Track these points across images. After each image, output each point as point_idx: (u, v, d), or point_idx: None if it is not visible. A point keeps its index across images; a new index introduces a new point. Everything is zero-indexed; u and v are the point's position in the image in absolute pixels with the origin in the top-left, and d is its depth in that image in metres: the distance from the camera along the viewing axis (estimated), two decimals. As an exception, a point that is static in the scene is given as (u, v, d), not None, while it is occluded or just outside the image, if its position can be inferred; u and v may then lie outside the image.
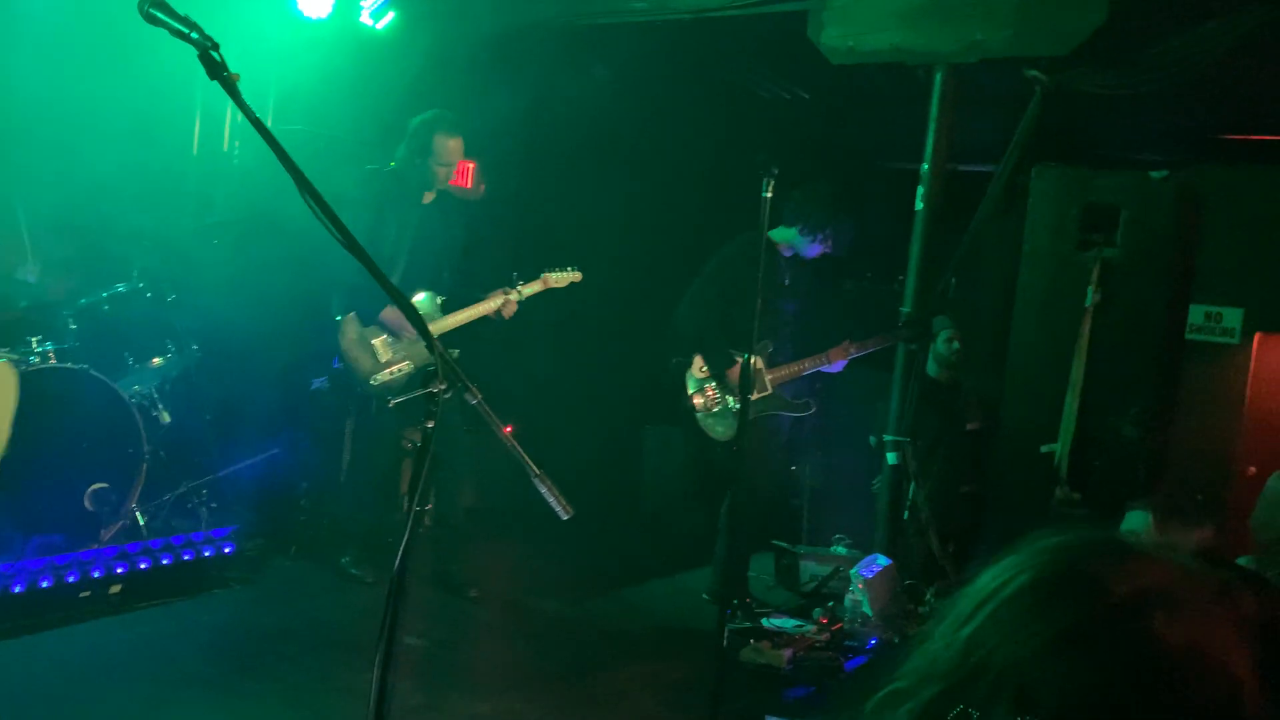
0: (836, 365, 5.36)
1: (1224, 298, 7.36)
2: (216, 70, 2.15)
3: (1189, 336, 7.00)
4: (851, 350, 5.29)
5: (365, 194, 5.00)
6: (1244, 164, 7.16)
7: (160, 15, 2.14)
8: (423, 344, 5.01)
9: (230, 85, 2.13)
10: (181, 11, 2.22)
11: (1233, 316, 7.40)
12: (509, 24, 6.40)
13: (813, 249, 5.30)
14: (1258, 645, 0.85)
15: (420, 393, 2.26)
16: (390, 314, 4.96)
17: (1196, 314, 7.57)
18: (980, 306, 6.40)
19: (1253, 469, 7.15)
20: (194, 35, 2.13)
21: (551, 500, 2.38)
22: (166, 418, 5.16)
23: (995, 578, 0.95)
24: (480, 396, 2.32)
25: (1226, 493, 7.15)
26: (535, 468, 2.36)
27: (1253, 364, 7.42)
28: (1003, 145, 5.58)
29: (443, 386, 2.26)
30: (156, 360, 5.17)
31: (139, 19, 2.23)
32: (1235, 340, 7.39)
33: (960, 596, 0.97)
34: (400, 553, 2.25)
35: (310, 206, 2.20)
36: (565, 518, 2.39)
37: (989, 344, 6.50)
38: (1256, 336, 7.39)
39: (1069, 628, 0.87)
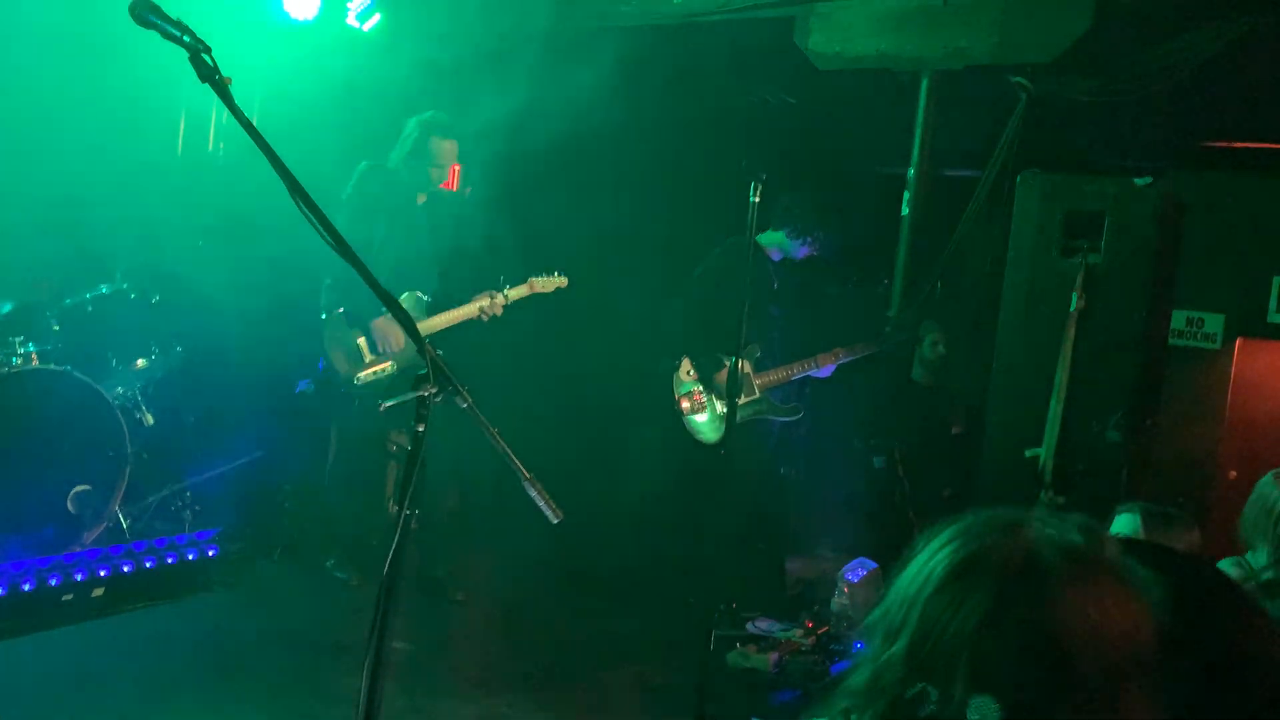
0: (825, 370, 5.39)
1: (1206, 303, 7.43)
2: (208, 73, 2.15)
3: (1172, 342, 7.04)
4: (841, 355, 5.32)
5: (359, 193, 5.00)
6: (1225, 171, 7.23)
7: (152, 18, 2.14)
8: (410, 344, 5.02)
9: (222, 88, 2.13)
10: (169, 13, 2.22)
11: (1214, 322, 7.46)
12: (496, 26, 6.39)
13: (801, 251, 5.34)
14: (1130, 575, 0.96)
15: (411, 396, 2.26)
16: (381, 324, 4.95)
17: (1179, 319, 7.62)
18: (964, 311, 6.43)
19: (1233, 473, 7.21)
20: (185, 38, 2.13)
21: (542, 504, 2.37)
22: (150, 420, 5.13)
23: (912, 581, 1.01)
24: (471, 400, 2.31)
25: (1208, 497, 7.21)
26: (526, 471, 2.35)
27: (1234, 369, 7.49)
28: (987, 151, 5.61)
29: (433, 390, 2.25)
30: (140, 362, 5.15)
31: (125, 19, 2.23)
32: (1217, 345, 7.45)
33: (885, 611, 1.02)
34: (389, 556, 2.25)
35: (301, 209, 2.20)
36: (555, 521, 2.39)
37: (972, 348, 6.53)
38: (1238, 342, 7.46)
39: (990, 606, 0.95)
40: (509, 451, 2.35)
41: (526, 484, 2.37)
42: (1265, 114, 6.38)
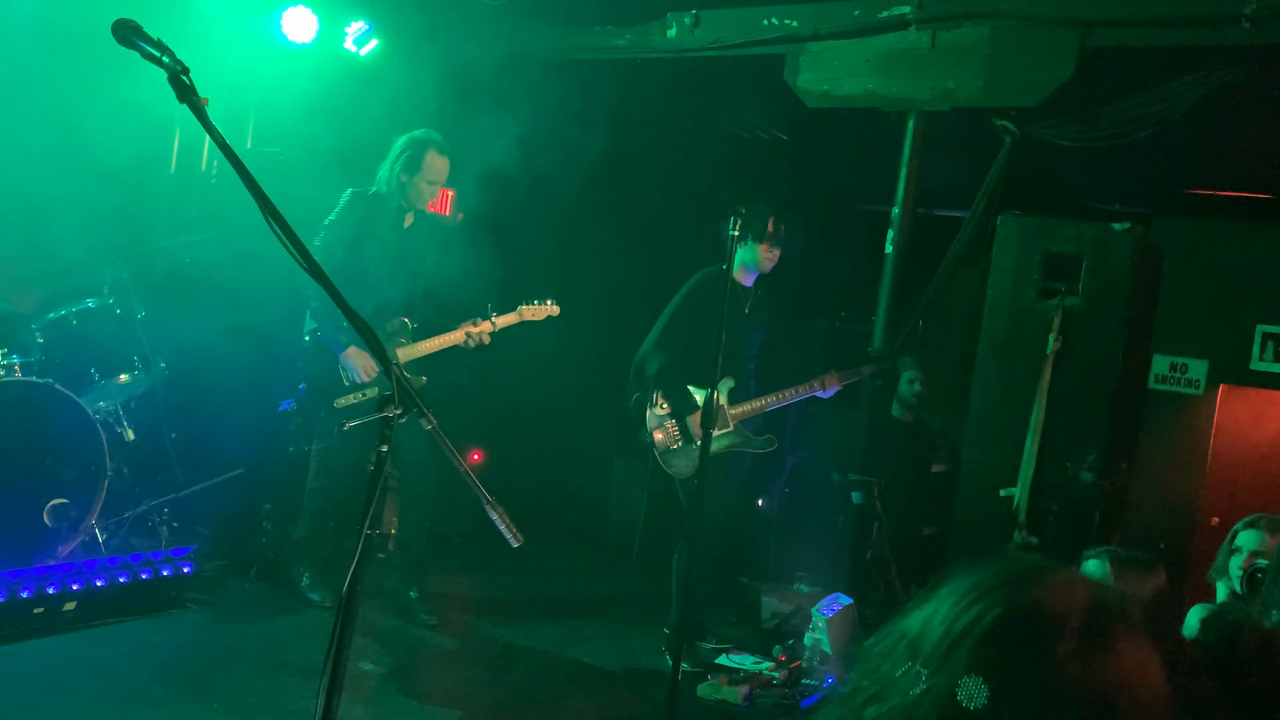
0: (829, 391, 5.35)
1: (1189, 349, 7.49)
2: (186, 94, 2.18)
3: (1154, 386, 7.07)
4: (832, 382, 5.29)
5: (347, 216, 4.99)
6: (1207, 218, 7.31)
7: (133, 38, 2.18)
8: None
9: (199, 109, 2.16)
10: (167, 34, 2.26)
11: (1198, 368, 7.53)
12: (493, 55, 6.46)
13: (767, 256, 5.24)
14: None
15: (375, 417, 2.28)
16: (351, 354, 4.94)
17: (1161, 364, 7.68)
18: (947, 349, 6.48)
19: (1215, 519, 7.24)
20: (165, 59, 2.16)
21: (502, 528, 2.39)
22: (130, 435, 5.14)
23: (958, 616, 1.02)
24: (435, 422, 2.33)
25: (1189, 542, 7.22)
26: (487, 495, 2.37)
27: (1216, 415, 7.54)
28: (970, 191, 5.68)
29: (398, 411, 2.27)
30: (123, 377, 5.16)
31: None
32: (1199, 391, 7.52)
33: (909, 642, 1.02)
34: (349, 576, 2.26)
35: (274, 230, 2.22)
36: (515, 545, 2.41)
37: (955, 387, 6.58)
38: (1221, 388, 7.50)
39: (1044, 660, 0.99)
40: (471, 474, 2.36)
41: (488, 507, 2.38)
42: (1245, 163, 6.46)
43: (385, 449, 2.29)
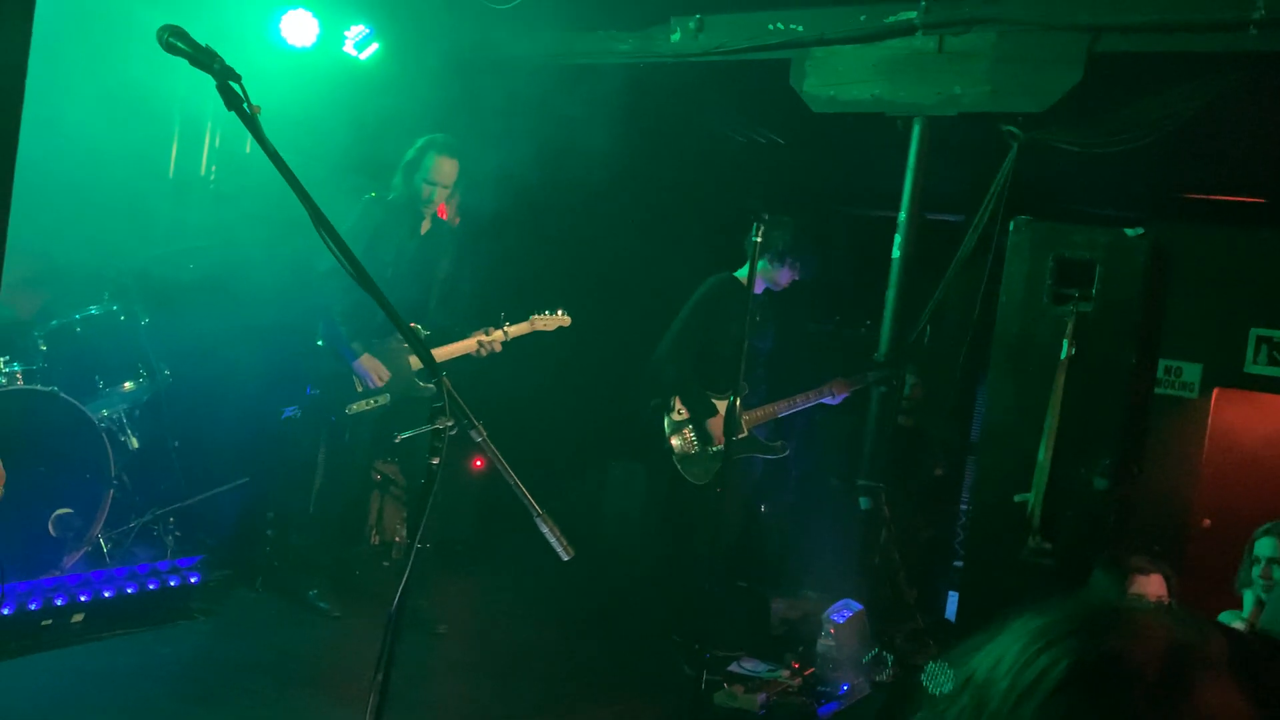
0: (838, 398, 5.40)
1: (1184, 352, 7.55)
2: (235, 102, 2.15)
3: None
4: (837, 388, 5.34)
5: (364, 222, 4.96)
6: (1204, 223, 7.37)
7: (180, 45, 2.14)
8: (403, 377, 5.00)
9: (250, 118, 2.13)
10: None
11: (1192, 371, 7.59)
12: (495, 59, 6.43)
13: (783, 275, 5.30)
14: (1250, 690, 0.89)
15: (426, 429, 2.25)
16: (364, 362, 4.91)
17: (1158, 367, 7.73)
18: (948, 355, 6.50)
19: (1207, 521, 7.30)
20: (215, 66, 2.13)
21: (553, 540, 2.37)
22: (135, 443, 5.06)
23: (1024, 667, 0.93)
24: (485, 434, 2.31)
25: (1183, 544, 7.28)
26: (538, 507, 2.35)
27: (1210, 418, 7.60)
28: (969, 196, 5.69)
29: (449, 423, 2.25)
30: (127, 384, 5.08)
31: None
32: (1194, 395, 7.58)
33: (986, 692, 0.93)
34: (400, 590, 2.24)
35: (324, 240, 2.20)
36: (566, 559, 2.39)
37: (953, 392, 6.60)
38: (1215, 391, 7.57)
39: (1117, 715, 0.88)
40: (521, 487, 2.34)
41: (538, 520, 2.36)
42: (1240, 168, 6.52)
43: (436, 461, 2.27)
